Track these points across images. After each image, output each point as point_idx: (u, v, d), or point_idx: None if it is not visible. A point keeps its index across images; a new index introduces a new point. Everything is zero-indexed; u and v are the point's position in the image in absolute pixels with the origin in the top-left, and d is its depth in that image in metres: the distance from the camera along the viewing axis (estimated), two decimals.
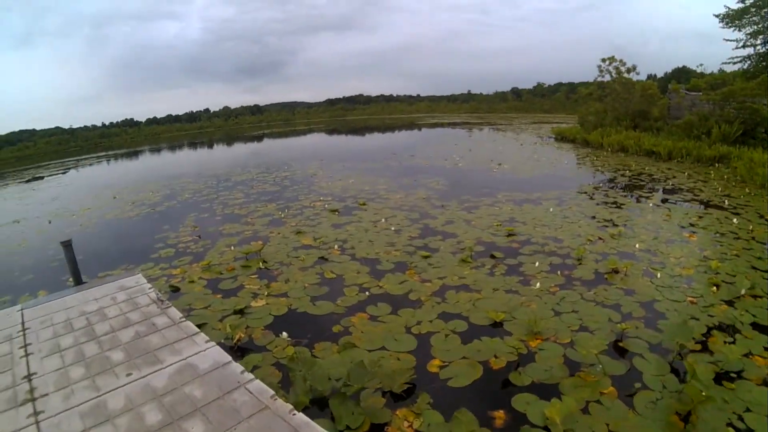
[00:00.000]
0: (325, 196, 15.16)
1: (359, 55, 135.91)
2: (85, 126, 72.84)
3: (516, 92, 70.92)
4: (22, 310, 6.16)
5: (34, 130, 69.36)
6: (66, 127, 71.35)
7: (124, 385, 4.28)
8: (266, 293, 7.85)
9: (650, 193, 14.02)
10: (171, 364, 4.56)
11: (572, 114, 43.85)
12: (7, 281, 9.73)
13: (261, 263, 9.26)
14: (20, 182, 29.73)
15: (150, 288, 6.63)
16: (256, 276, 8.72)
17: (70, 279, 7.66)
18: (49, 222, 15.10)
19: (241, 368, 4.46)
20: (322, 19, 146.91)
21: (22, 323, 5.77)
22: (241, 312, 7.22)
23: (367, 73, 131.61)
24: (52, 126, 71.39)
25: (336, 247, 9.88)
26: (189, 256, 10.07)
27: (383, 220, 11.69)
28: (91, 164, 38.07)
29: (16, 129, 68.32)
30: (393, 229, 10.91)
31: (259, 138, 50.23)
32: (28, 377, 4.53)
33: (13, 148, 61.77)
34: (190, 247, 10.70)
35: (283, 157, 27.85)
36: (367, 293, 7.46)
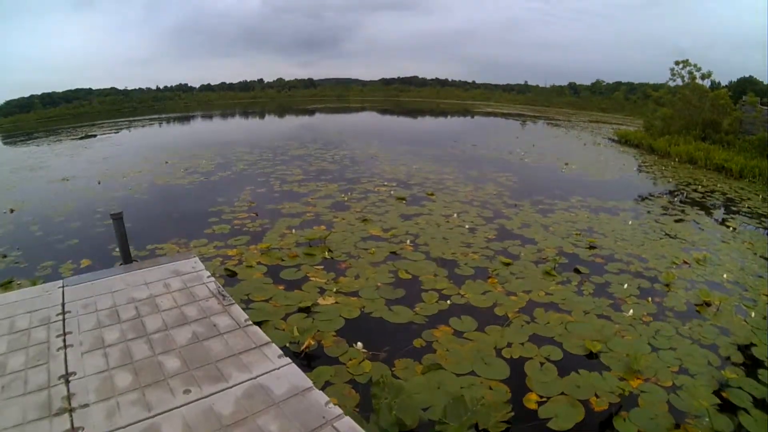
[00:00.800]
0: (389, 181, 14.28)
1: (416, 36, 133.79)
2: (139, 88, 74.33)
3: (573, 87, 67.91)
4: (63, 287, 5.48)
5: (90, 89, 70.77)
6: (121, 88, 73.00)
7: (182, 405, 3.46)
8: (335, 289, 7.06)
9: (727, 215, 12.77)
10: (238, 384, 3.72)
11: (630, 116, 42.83)
12: (50, 244, 9.30)
13: (327, 252, 8.49)
14: (73, 139, 30.18)
15: (209, 276, 5.83)
16: (321, 267, 7.96)
17: (116, 250, 7.03)
18: (99, 183, 14.82)
19: (326, 398, 3.58)
20: None
21: (63, 305, 5.08)
22: (307, 310, 6.49)
23: (423, 55, 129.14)
24: (108, 86, 72.69)
25: (408, 242, 9.08)
26: (246, 236, 9.38)
27: (455, 215, 10.84)
28: (143, 126, 38.52)
29: (73, 87, 69.51)
30: (467, 227, 10.07)
31: (312, 112, 49.91)
32: (66, 377, 3.81)
33: (69, 105, 63.67)
34: (246, 225, 10.00)
35: (339, 134, 27.18)
36: (448, 302, 6.77)
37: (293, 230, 9.59)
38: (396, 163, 17.24)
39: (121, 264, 6.54)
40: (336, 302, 6.66)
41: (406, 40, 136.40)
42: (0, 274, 7.92)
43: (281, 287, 7.19)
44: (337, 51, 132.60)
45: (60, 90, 67.24)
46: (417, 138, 25.72)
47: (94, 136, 31.23)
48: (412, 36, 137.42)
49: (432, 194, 12.69)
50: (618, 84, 63.07)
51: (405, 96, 74.77)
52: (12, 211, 11.97)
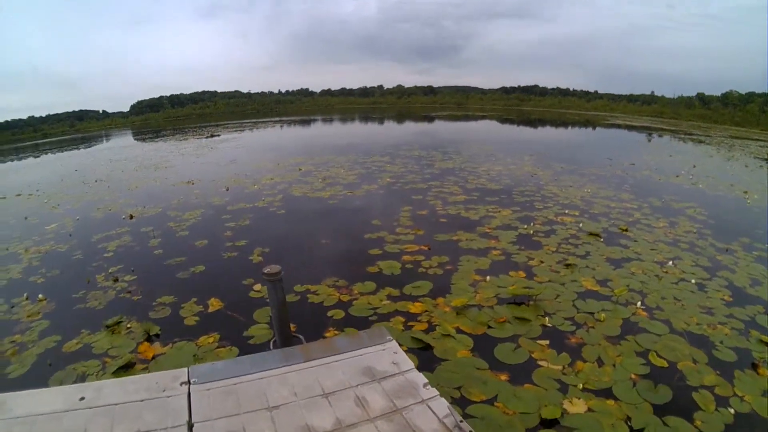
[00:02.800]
0: (569, 208, 11.46)
1: (536, 44, 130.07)
2: (262, 92, 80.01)
3: (702, 98, 60.89)
4: (189, 383, 3.29)
5: (215, 91, 76.91)
6: (244, 91, 78.86)
7: None
8: (580, 385, 4.72)
9: None
10: None
11: None
12: (171, 270, 7.65)
13: (544, 317, 6.03)
14: (199, 138, 30.55)
15: (427, 386, 3.50)
16: (546, 342, 5.52)
17: (255, 289, 4.86)
18: (227, 189, 13.37)
19: None
20: (500, 5, 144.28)
21: (190, 426, 2.80)
22: (554, 424, 4.27)
23: (543, 63, 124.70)
24: (232, 89, 78.82)
25: (638, 304, 6.53)
26: (426, 281, 6.97)
27: (670, 262, 8.04)
28: (266, 127, 38.42)
29: (199, 90, 76.15)
30: (693, 281, 7.36)
31: (436, 120, 47.84)
32: None
33: (195, 106, 70.01)
34: (421, 264, 7.62)
35: (478, 144, 24.38)
36: (730, 410, 4.55)
37: (486, 277, 7.12)
38: (562, 185, 14.33)
39: (273, 341, 4.20)
40: (589, 409, 4.47)
41: (525, 49, 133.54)
42: (108, 308, 6.34)
43: (503, 377, 4.86)
44: (455, 59, 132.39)
45: (187, 92, 74.16)
46: (566, 154, 22.28)
47: (219, 135, 31.47)
48: (531, 44, 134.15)
49: (626, 230, 9.95)
50: (751, 95, 55.96)
51: (526, 105, 72.26)
52: (131, 217, 10.69)
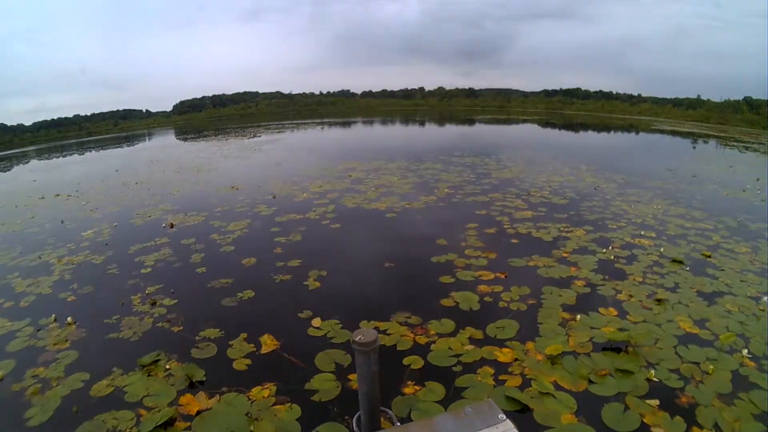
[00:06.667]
0: (644, 228, 10.26)
1: (578, 46, 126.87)
2: (303, 93, 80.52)
3: (750, 102, 57.27)
4: None
5: (257, 92, 78.00)
6: (286, 92, 79.40)
7: None
8: None
9: None
10: None
11: None
12: (215, 294, 6.95)
13: (646, 368, 5.08)
14: (241, 138, 30.21)
15: None
16: (654, 402, 4.52)
17: (314, 324, 4.42)
18: (273, 197, 12.64)
19: None
20: (542, 5, 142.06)
21: None
22: None
23: (585, 66, 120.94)
24: (273, 90, 79.56)
25: (744, 352, 5.46)
26: (511, 321, 5.99)
27: (765, 298, 6.81)
28: (308, 129, 38.15)
29: (241, 90, 77.42)
30: None
31: (478, 123, 46.37)
32: None
33: (237, 106, 71.48)
34: (501, 297, 6.64)
35: (529, 151, 23.04)
36: None
37: (577, 316, 6.11)
38: (629, 200, 13.08)
39: (357, 417, 3.24)
40: None
41: (567, 50, 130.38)
42: (144, 340, 5.62)
43: None
44: (496, 61, 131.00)
45: (229, 92, 75.71)
46: (623, 164, 20.54)
47: (260, 136, 31.34)
48: (573, 46, 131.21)
49: (710, 256, 8.78)
50: None
51: (569, 109, 70.12)
52: (172, 226, 10.09)
